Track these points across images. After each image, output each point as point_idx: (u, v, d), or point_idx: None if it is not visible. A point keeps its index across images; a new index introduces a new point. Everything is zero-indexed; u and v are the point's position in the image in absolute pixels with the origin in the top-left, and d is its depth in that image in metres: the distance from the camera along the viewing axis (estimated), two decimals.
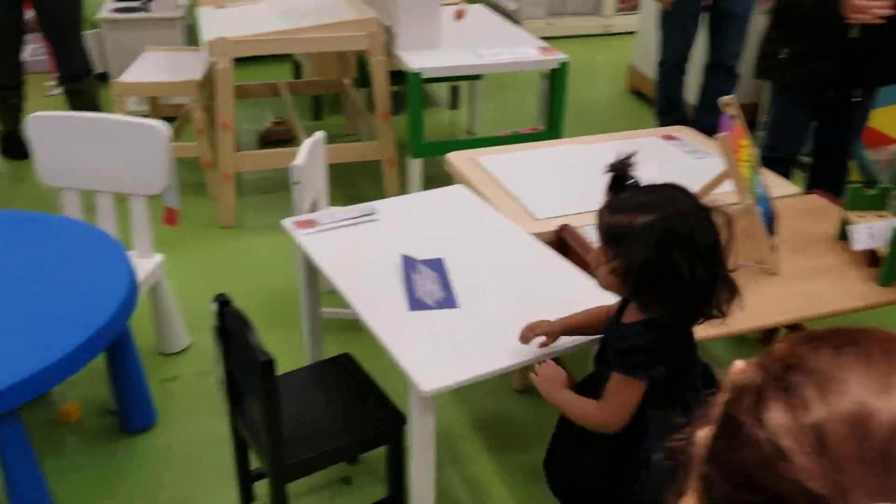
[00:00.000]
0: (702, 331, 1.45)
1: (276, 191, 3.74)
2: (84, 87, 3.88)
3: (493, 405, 2.39)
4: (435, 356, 1.59)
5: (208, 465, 2.16)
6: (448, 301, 1.77)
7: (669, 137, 2.77)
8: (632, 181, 1.42)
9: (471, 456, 2.20)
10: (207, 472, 2.13)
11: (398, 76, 3.35)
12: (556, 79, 3.25)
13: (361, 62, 4.26)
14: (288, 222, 2.10)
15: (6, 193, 3.71)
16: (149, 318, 2.54)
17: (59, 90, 4.43)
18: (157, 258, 2.41)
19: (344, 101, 4.37)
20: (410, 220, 2.13)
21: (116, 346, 2.08)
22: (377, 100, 3.34)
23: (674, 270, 1.31)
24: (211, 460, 2.17)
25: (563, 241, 2.10)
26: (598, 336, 1.59)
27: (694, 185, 2.22)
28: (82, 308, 1.77)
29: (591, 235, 2.04)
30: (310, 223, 2.10)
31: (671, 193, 1.38)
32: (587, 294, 1.74)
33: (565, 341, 1.62)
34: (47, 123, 2.32)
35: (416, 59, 3.14)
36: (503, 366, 1.58)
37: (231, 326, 1.74)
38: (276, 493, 1.76)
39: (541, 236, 2.05)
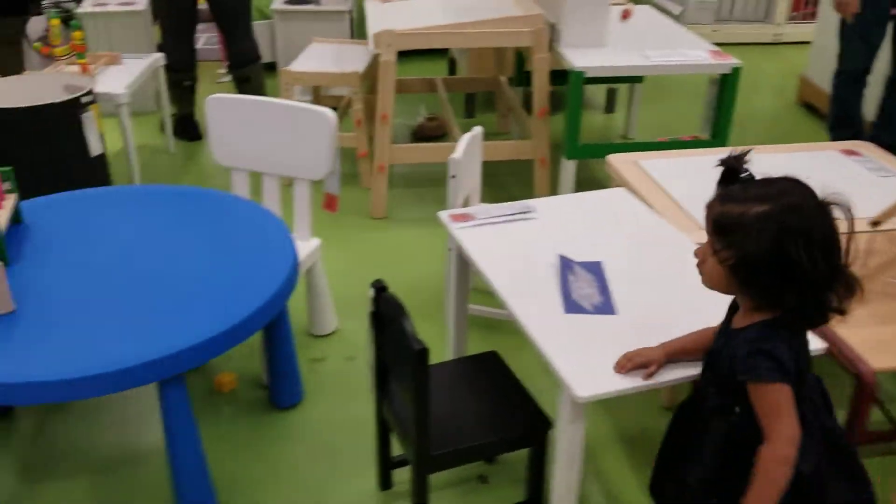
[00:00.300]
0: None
1: (425, 185, 3.78)
2: (251, 73, 4.07)
3: (640, 420, 2.29)
4: (591, 362, 1.53)
5: (350, 446, 2.19)
6: (606, 306, 1.71)
7: (850, 152, 2.58)
8: (746, 174, 1.35)
9: (613, 470, 2.12)
10: (348, 454, 2.17)
11: (555, 76, 3.30)
12: (726, 85, 3.10)
13: (519, 60, 4.23)
14: (444, 215, 2.10)
15: (177, 172, 3.94)
16: (302, 300, 2.62)
17: (228, 78, 4.67)
18: (315, 242, 2.48)
19: (498, 100, 4.36)
20: (568, 220, 2.08)
21: (274, 324, 2.15)
22: (535, 98, 3.30)
23: (791, 261, 1.25)
24: (352, 442, 2.20)
25: None
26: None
27: (879, 204, 2.07)
28: (248, 283, 1.83)
29: None
30: (466, 217, 2.08)
31: (786, 185, 1.31)
32: None
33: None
34: (223, 105, 2.43)
35: (580, 58, 3.07)
36: (665, 379, 1.50)
37: (386, 312, 1.75)
38: (418, 482, 1.76)
39: None
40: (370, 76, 3.70)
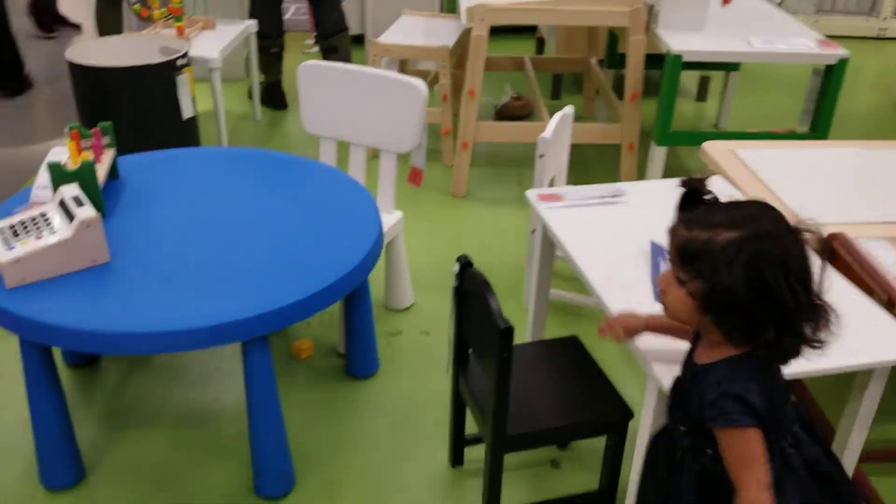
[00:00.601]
0: None
1: (507, 165, 3.73)
2: (338, 43, 4.08)
3: None
4: (680, 353, 1.48)
5: (423, 421, 2.19)
6: None
7: None
8: (709, 196, 1.25)
9: None
10: (421, 428, 2.16)
11: (645, 61, 3.20)
12: (831, 77, 2.96)
13: (611, 42, 4.14)
14: (531, 195, 2.06)
15: (262, 139, 3.99)
16: (380, 273, 2.62)
17: (316, 48, 4.70)
18: (398, 215, 2.47)
19: (586, 82, 4.27)
20: (660, 206, 2.00)
21: (355, 293, 2.15)
22: (629, 81, 3.21)
23: (769, 292, 1.14)
24: (425, 417, 2.19)
25: (829, 250, 1.89)
26: None
27: None
28: (335, 250, 1.83)
29: (873, 249, 1.83)
30: (554, 197, 2.04)
31: (755, 209, 1.21)
32: (861, 309, 1.56)
33: None
34: (315, 72, 2.43)
35: (678, 41, 2.97)
36: None
37: (470, 288, 1.73)
38: (493, 461, 1.74)
39: None
40: (458, 51, 3.67)
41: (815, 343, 1.21)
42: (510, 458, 1.77)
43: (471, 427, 1.97)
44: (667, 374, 1.42)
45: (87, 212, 1.70)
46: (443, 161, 3.69)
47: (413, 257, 2.83)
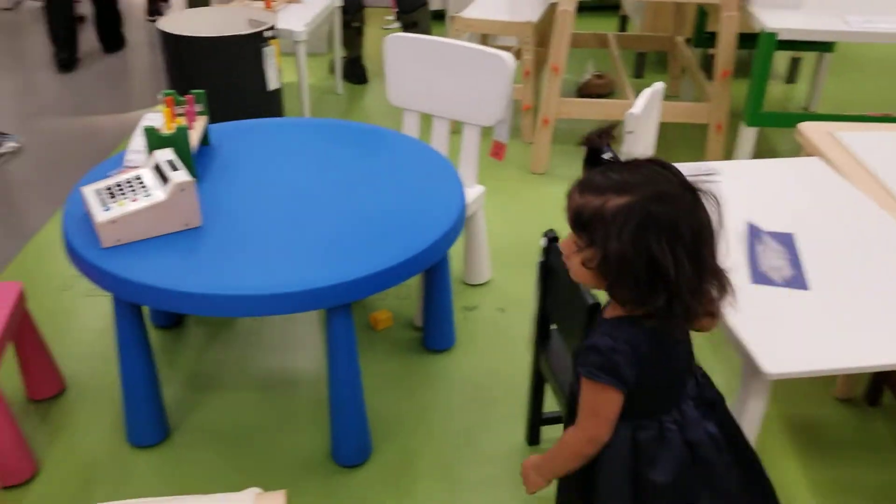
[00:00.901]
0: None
1: None
2: (419, 17, 4.07)
3: (809, 409, 2.14)
4: (780, 338, 1.42)
5: (498, 397, 2.17)
6: (797, 280, 1.58)
7: None
8: (609, 156, 1.20)
9: (777, 458, 1.99)
10: (497, 404, 2.15)
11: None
12: None
13: (700, 19, 4.01)
14: None
15: (343, 112, 4.01)
16: (459, 247, 2.61)
17: (396, 24, 4.69)
18: (479, 189, 2.45)
19: (671, 60, 4.15)
20: (757, 187, 1.94)
21: (435, 266, 2.14)
22: (720, 58, 3.10)
23: (654, 263, 1.10)
24: (502, 393, 2.18)
25: None
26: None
27: None
28: (418, 222, 1.83)
29: None
30: None
31: (652, 171, 1.15)
32: None
33: None
34: (402, 45, 2.42)
35: (773, 18, 2.86)
36: (867, 364, 1.37)
37: (556, 264, 1.70)
38: None
39: None
40: (541, 27, 3.61)
41: (709, 312, 1.20)
42: None
43: (549, 405, 1.95)
44: (767, 358, 1.36)
45: (182, 176, 1.73)
46: (522, 138, 3.65)
47: (491, 233, 2.80)
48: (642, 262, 1.11)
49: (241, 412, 2.13)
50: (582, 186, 1.19)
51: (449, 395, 2.19)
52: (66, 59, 4.47)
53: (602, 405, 1.23)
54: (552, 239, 1.71)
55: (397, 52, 2.43)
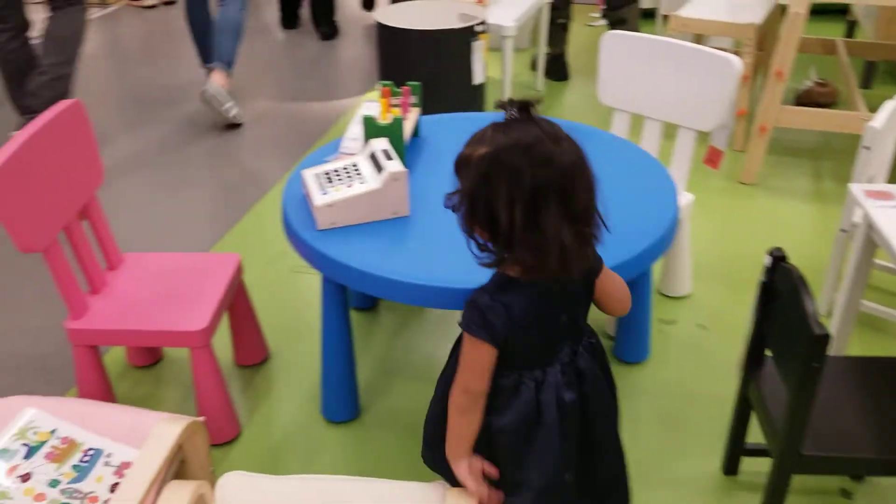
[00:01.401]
0: None
1: (802, 155, 3.41)
2: (628, 14, 3.95)
3: None
4: None
5: (692, 419, 2.05)
6: None
7: None
8: (510, 115, 1.24)
9: None
10: (690, 426, 2.03)
11: None
12: None
13: None
14: (856, 189, 1.83)
15: (542, 109, 3.96)
16: None
17: (601, 21, 4.59)
18: (689, 197, 2.33)
19: None
20: None
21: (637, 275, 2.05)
22: None
23: (490, 206, 1.20)
24: (696, 415, 2.06)
25: None
26: None
27: None
28: (629, 227, 1.74)
29: None
30: (885, 195, 1.80)
31: (531, 129, 1.21)
32: None
33: None
34: (619, 42, 2.34)
35: None
36: None
37: (781, 285, 1.57)
38: (778, 479, 1.58)
39: None
40: (764, 29, 3.39)
41: (544, 266, 1.22)
42: (795, 478, 1.60)
43: (755, 435, 1.81)
44: None
45: (396, 166, 1.75)
46: (733, 145, 3.44)
47: (695, 243, 2.67)
48: (482, 204, 1.22)
49: (425, 401, 2.13)
50: (469, 139, 1.29)
51: (638, 412, 2.09)
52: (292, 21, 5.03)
53: (477, 358, 1.32)
54: (778, 258, 1.58)
55: (613, 49, 2.35)
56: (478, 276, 1.60)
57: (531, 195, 1.18)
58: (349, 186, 1.77)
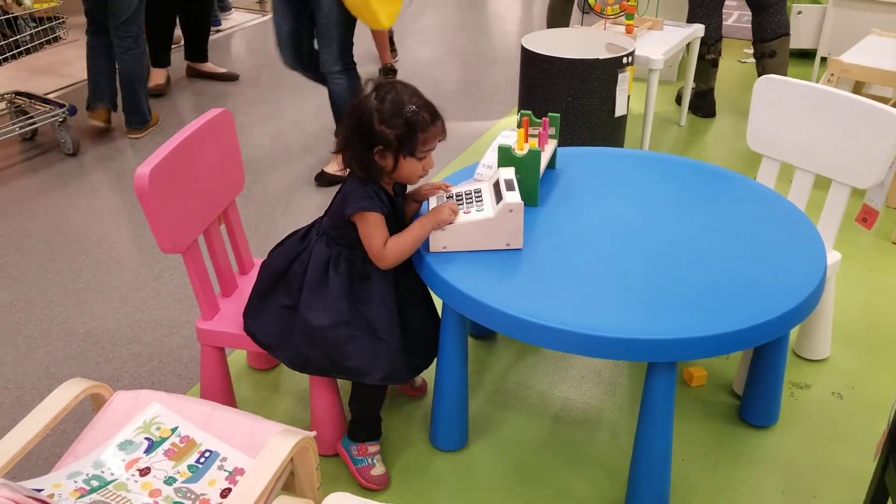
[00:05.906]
0: None
1: None
2: (777, 47, 3.78)
3: None
4: None
5: (820, 494, 1.91)
6: None
7: None
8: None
9: None
10: (816, 502, 1.89)
11: None
12: None
13: None
14: None
15: (682, 146, 3.85)
16: None
17: (753, 60, 4.40)
18: (836, 256, 2.18)
19: None
20: None
21: None
22: None
23: (347, 136, 1.73)
24: (823, 491, 1.91)
25: None
26: None
27: None
28: (771, 286, 1.64)
29: None
30: None
31: (401, 87, 1.72)
32: None
33: None
34: (774, 86, 2.22)
35: None
36: None
37: None
38: None
39: None
40: None
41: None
42: None
43: None
44: None
45: (514, 197, 1.73)
46: (887, 202, 3.21)
47: (837, 304, 2.50)
48: (346, 134, 1.73)
49: (534, 439, 2.09)
50: None
51: (760, 480, 1.96)
52: None
53: (373, 229, 1.72)
54: None
55: (767, 94, 2.24)
56: (592, 320, 1.54)
57: (364, 126, 1.70)
58: (466, 213, 1.77)
